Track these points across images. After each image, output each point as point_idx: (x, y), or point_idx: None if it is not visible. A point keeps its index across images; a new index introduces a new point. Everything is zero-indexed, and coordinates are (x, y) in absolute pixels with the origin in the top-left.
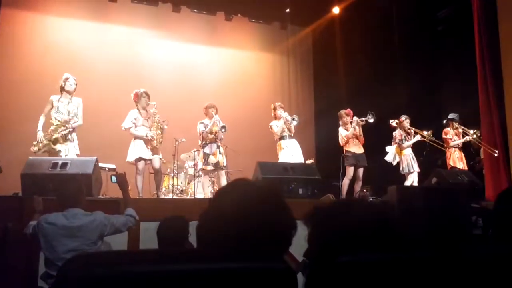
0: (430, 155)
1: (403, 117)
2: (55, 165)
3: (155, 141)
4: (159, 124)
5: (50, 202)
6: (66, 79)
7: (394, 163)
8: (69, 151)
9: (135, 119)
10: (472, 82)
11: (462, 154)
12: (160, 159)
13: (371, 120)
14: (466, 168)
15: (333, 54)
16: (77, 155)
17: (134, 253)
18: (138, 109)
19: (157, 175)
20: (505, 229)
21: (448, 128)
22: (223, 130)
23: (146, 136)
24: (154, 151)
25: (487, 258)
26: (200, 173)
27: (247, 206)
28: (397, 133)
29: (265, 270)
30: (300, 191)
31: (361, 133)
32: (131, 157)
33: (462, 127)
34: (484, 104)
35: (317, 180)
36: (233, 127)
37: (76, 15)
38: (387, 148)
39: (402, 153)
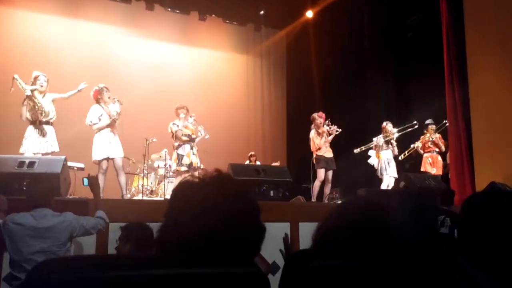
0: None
1: (384, 123)
2: (22, 163)
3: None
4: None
5: (15, 202)
6: (36, 77)
7: (377, 166)
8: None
9: (101, 115)
10: (440, 87)
11: (437, 159)
12: (125, 158)
13: None
14: (439, 173)
15: (307, 57)
16: (54, 152)
17: (105, 258)
18: (100, 105)
19: (121, 175)
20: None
21: (427, 134)
22: (206, 137)
23: (112, 115)
24: (116, 149)
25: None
26: (171, 173)
27: (216, 206)
28: (375, 138)
29: (236, 275)
30: (272, 193)
31: (331, 139)
32: (96, 156)
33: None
34: (451, 111)
35: (289, 182)
36: (205, 127)
37: (46, 10)
38: (370, 152)
39: (379, 157)
